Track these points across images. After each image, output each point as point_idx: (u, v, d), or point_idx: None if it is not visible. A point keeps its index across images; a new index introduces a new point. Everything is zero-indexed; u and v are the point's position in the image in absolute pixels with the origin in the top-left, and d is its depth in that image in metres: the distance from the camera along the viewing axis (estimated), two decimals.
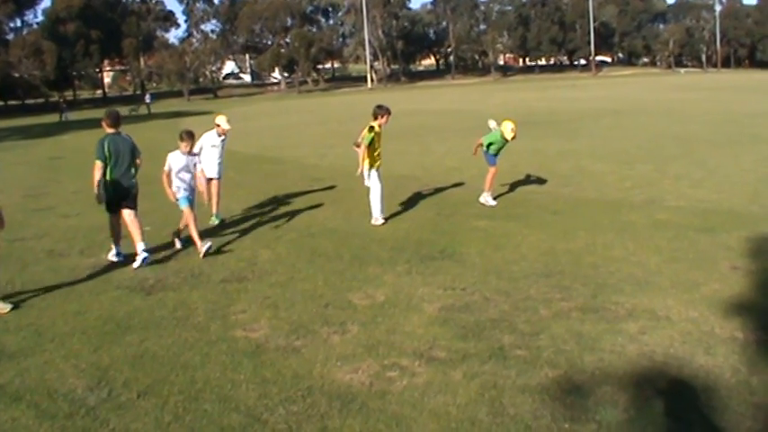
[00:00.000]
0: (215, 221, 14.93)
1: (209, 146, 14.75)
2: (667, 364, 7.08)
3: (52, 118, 73.23)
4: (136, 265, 11.77)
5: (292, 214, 15.28)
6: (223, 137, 15.11)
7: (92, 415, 6.55)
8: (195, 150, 14.14)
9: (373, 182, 14.04)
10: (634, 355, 7.30)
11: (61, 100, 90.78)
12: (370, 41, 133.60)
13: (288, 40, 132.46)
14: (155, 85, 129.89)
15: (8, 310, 9.12)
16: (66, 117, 71.36)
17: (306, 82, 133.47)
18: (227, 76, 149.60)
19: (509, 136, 15.09)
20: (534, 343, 7.73)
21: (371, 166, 13.98)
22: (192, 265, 11.69)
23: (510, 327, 8.23)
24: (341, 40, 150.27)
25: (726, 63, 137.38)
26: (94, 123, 53.82)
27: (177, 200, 12.24)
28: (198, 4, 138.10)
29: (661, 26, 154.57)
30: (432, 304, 9.15)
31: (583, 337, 7.83)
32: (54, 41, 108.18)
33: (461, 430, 5.96)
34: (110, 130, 12.12)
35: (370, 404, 6.49)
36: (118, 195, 12.09)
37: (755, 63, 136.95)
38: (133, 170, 12.29)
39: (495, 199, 15.53)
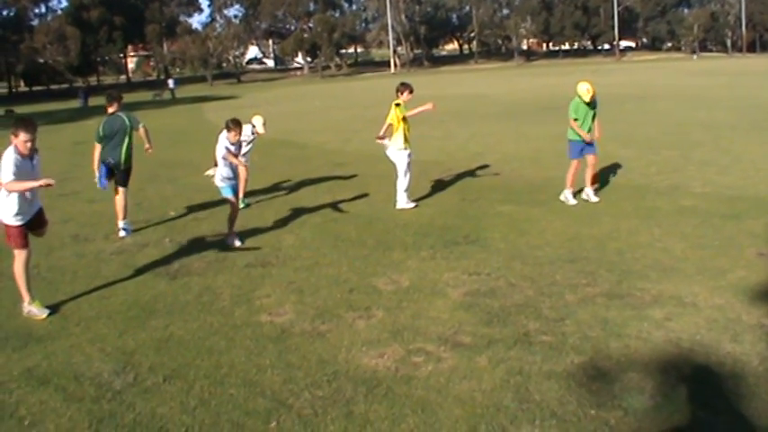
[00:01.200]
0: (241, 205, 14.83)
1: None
2: (693, 351, 7.04)
3: (76, 103, 73.53)
4: (121, 234, 13.03)
5: (316, 199, 15.28)
6: (255, 136, 15.25)
7: (118, 399, 6.58)
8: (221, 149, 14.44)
9: (404, 161, 14.14)
10: (660, 342, 7.26)
11: (81, 86, 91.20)
12: (393, 26, 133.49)
13: (311, 24, 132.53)
14: (178, 70, 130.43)
15: (44, 315, 9.01)
16: (85, 103, 71.59)
17: (329, 67, 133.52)
18: (251, 61, 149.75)
19: (587, 98, 13.72)
20: (560, 329, 7.70)
21: (404, 145, 14.11)
22: (217, 249, 11.72)
23: (535, 312, 8.21)
24: (364, 24, 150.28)
25: (751, 48, 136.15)
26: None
27: (221, 187, 12.14)
28: None
29: (686, 11, 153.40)
30: (456, 289, 9.14)
31: (608, 323, 7.80)
32: (78, 27, 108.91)
33: (487, 416, 5.95)
34: (109, 111, 13.04)
35: (395, 389, 6.49)
36: (109, 172, 12.96)
37: None
38: (125, 147, 12.91)
39: (574, 197, 14.03)
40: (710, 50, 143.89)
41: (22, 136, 8.65)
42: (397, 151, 14.14)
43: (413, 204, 14.17)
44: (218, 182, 12.15)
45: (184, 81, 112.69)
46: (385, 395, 6.39)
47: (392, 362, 7.08)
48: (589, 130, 13.86)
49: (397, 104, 14.10)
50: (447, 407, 6.12)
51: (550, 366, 6.80)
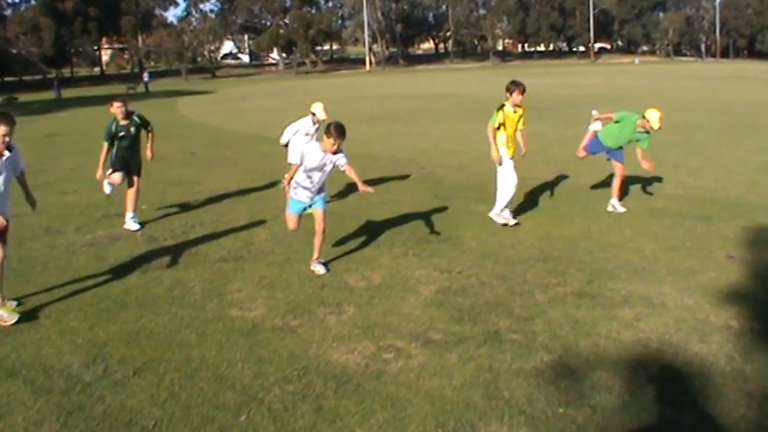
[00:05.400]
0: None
1: (303, 133, 14.04)
2: (662, 351, 7.10)
3: (49, 95, 73.10)
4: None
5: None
6: (318, 125, 14.11)
7: (87, 391, 6.56)
8: (285, 138, 14.06)
9: (503, 172, 12.33)
10: (629, 341, 7.32)
11: (55, 77, 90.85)
12: (369, 24, 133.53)
13: (287, 20, 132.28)
14: (153, 63, 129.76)
15: (13, 321, 8.78)
16: (58, 95, 71.44)
17: (304, 63, 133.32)
18: (226, 56, 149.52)
19: (656, 126, 12.65)
20: (530, 327, 7.75)
21: (508, 152, 12.28)
22: (189, 244, 11.69)
23: (506, 311, 8.25)
24: (340, 21, 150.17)
25: (725, 53, 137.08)
26: (91, 101, 53.28)
27: (289, 199, 10.47)
28: None
29: (661, 14, 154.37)
30: (428, 287, 9.16)
31: (578, 322, 7.85)
32: (52, 18, 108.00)
33: (456, 413, 5.98)
34: None
35: (365, 385, 6.51)
36: None
37: (754, 53, 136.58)
38: None
39: (618, 206, 13.29)
40: (685, 54, 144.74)
41: (1, 129, 8.07)
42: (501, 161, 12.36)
43: (505, 220, 12.41)
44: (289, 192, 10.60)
45: (159, 75, 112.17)
46: (355, 391, 6.40)
47: (362, 358, 7.10)
48: (615, 147, 13.29)
49: (500, 107, 12.13)
50: (417, 403, 6.15)
51: (520, 364, 6.84)
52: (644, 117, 12.80)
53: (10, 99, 66.25)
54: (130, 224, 12.92)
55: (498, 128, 12.09)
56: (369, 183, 14.55)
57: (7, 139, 8.19)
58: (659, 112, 12.74)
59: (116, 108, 12.57)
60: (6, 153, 8.36)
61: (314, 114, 14.07)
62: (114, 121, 12.65)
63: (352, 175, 9.91)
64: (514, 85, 11.97)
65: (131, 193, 13.01)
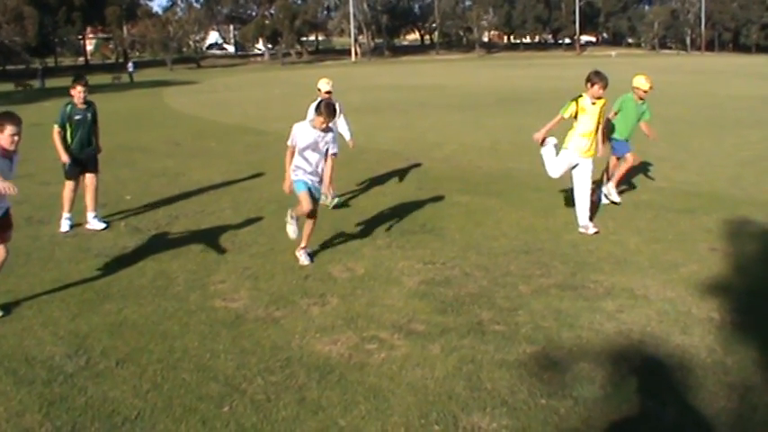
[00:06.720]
0: (331, 203, 13.23)
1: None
2: (644, 343, 7.13)
3: (33, 84, 72.71)
4: None
5: (272, 186, 15.20)
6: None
7: (69, 382, 6.54)
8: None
9: (578, 176, 11.47)
10: (611, 333, 7.35)
11: (40, 66, 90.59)
12: (354, 15, 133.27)
13: (272, 11, 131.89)
14: (138, 53, 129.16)
15: None
16: (42, 84, 71.24)
17: (289, 54, 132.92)
18: (211, 46, 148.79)
19: (645, 86, 12.85)
20: (513, 319, 7.77)
21: (581, 149, 11.29)
22: (173, 234, 11.66)
23: (489, 302, 8.26)
24: (325, 12, 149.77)
25: (710, 46, 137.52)
26: None
27: (293, 185, 10.17)
28: None
29: (646, 7, 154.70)
30: (411, 278, 9.17)
31: (561, 313, 7.88)
32: (35, 7, 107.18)
33: (439, 404, 5.99)
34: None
35: (348, 376, 6.51)
36: None
37: (739, 47, 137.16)
38: None
39: (614, 194, 12.95)
40: (670, 48, 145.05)
41: (9, 129, 7.79)
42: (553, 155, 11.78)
43: (592, 230, 11.19)
44: (288, 186, 10.36)
45: (144, 65, 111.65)
46: (338, 382, 6.41)
47: (345, 349, 7.11)
48: (631, 133, 13.20)
49: (576, 98, 11.17)
50: (399, 394, 6.16)
51: (502, 355, 6.86)
52: (634, 87, 13.15)
53: (25, 85, 67.21)
54: (94, 224, 12.40)
55: (574, 117, 11.18)
56: (353, 174, 14.61)
57: (16, 138, 7.88)
58: (643, 74, 13.23)
59: (78, 92, 12.01)
60: (16, 156, 8.12)
61: (319, 91, 13.52)
62: (70, 104, 12.14)
63: (328, 169, 9.97)
64: (598, 78, 10.89)
65: (90, 191, 12.48)
